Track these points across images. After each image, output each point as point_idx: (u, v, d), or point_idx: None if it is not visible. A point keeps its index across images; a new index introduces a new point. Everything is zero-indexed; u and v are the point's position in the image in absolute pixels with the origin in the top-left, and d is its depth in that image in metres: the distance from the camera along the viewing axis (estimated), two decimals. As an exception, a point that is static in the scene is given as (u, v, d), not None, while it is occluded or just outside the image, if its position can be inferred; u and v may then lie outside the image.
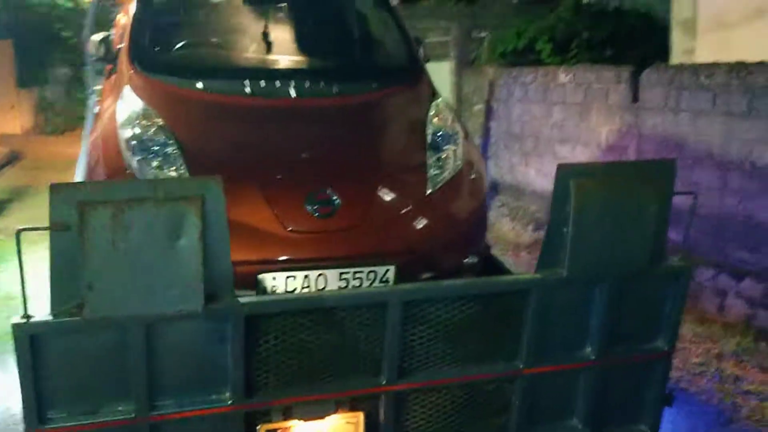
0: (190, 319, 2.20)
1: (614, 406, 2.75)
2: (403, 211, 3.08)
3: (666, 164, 2.52)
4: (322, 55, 3.94)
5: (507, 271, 3.71)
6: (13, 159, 12.76)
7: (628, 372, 2.72)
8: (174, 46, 3.78)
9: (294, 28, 3.93)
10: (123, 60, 3.63)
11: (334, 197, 2.99)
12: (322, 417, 2.45)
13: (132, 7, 3.91)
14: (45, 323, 2.09)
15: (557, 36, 12.12)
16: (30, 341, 2.08)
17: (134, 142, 3.13)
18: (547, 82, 7.32)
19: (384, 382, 2.44)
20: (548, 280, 2.48)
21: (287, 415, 2.42)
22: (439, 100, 3.62)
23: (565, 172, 2.39)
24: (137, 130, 3.16)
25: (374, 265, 2.94)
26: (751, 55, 5.78)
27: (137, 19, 3.80)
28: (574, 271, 2.45)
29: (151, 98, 3.30)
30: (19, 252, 2.06)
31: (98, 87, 7.57)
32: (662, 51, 12.34)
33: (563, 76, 7.03)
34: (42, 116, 17.03)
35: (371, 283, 2.98)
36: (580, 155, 6.84)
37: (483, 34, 10.47)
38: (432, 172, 3.24)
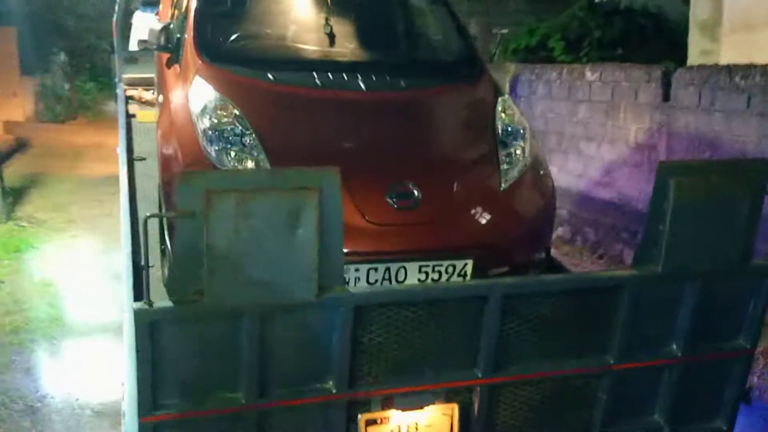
0: (302, 308, 2.22)
1: (694, 403, 2.79)
2: (479, 206, 3.10)
3: (761, 164, 2.55)
4: (388, 49, 3.96)
5: (565, 270, 3.75)
6: (21, 146, 12.68)
7: (709, 369, 2.76)
8: (239, 37, 3.77)
9: (358, 20, 3.93)
10: (189, 50, 3.62)
11: (414, 190, 3.00)
12: (420, 407, 2.48)
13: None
14: (166, 309, 2.10)
15: (570, 34, 12.19)
16: (150, 327, 2.09)
17: (212, 132, 3.13)
18: (572, 80, 7.36)
19: (480, 375, 2.47)
20: (643, 275, 2.51)
21: (386, 405, 2.45)
22: (506, 96, 3.64)
23: (665, 170, 2.43)
24: (214, 120, 3.16)
25: (453, 259, 2.96)
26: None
27: (200, 8, 3.79)
28: (669, 268, 2.48)
29: (223, 88, 3.31)
30: (145, 238, 2.07)
31: (127, 75, 7.58)
32: (672, 50, 12.42)
33: (590, 74, 7.07)
34: (42, 104, 16.91)
35: (449, 277, 3.00)
36: (605, 153, 6.89)
37: (504, 31, 10.50)
38: (504, 167, 3.27)
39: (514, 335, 2.48)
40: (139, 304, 2.08)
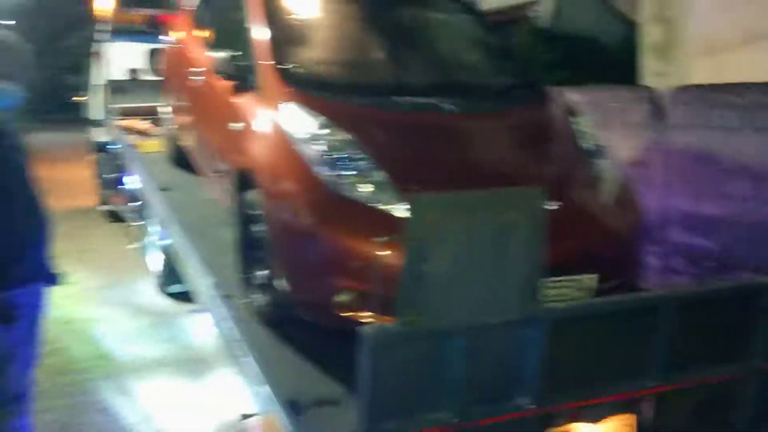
0: (506, 325, 2.25)
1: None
2: (598, 223, 3.20)
3: None
4: (465, 72, 4.03)
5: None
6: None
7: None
8: (317, 62, 3.77)
9: (427, 43, 4.02)
10: (269, 78, 3.59)
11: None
12: (603, 419, 2.53)
13: (258, 23, 3.88)
14: (390, 330, 2.09)
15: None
16: (376, 348, 2.07)
17: (326, 157, 3.11)
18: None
19: (655, 384, 2.55)
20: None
21: (571, 418, 2.49)
22: (584, 116, 3.77)
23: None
24: (327, 145, 3.15)
25: (582, 274, 3.03)
26: (743, 78, 6.27)
27: (274, 35, 3.77)
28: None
29: (325, 114, 3.30)
30: (378, 262, 2.05)
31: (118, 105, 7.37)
32: (611, 71, 12.99)
33: (576, 96, 7.32)
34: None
35: (575, 291, 3.07)
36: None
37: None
38: (605, 184, 3.38)
39: (681, 343, 2.57)
40: (370, 328, 2.06)
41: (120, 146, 7.21)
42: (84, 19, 12.72)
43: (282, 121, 3.37)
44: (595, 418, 2.52)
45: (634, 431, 2.58)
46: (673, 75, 9.34)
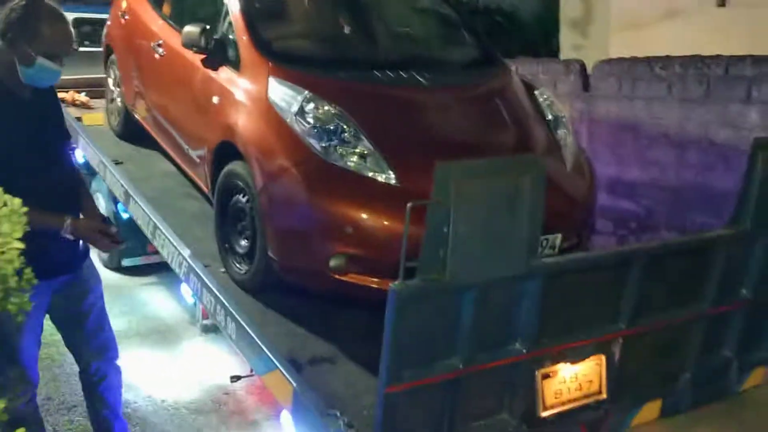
0: (512, 279, 2.52)
1: (757, 336, 3.39)
2: (561, 186, 3.51)
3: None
4: (435, 48, 4.27)
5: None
6: None
7: (766, 306, 3.36)
8: (294, 36, 3.92)
9: (397, 17, 4.22)
10: (249, 52, 3.71)
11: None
12: (583, 360, 2.86)
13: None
14: (419, 287, 2.32)
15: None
16: (402, 304, 2.31)
17: (316, 130, 3.29)
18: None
19: (624, 327, 2.90)
20: (736, 235, 3.05)
21: (557, 360, 2.80)
22: (543, 87, 4.08)
23: (757, 145, 2.97)
24: (315, 118, 3.31)
25: (547, 234, 3.34)
26: (659, 51, 6.78)
27: (246, 9, 3.88)
28: (755, 226, 3.04)
29: (310, 88, 3.46)
30: (406, 227, 2.27)
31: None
32: (527, 45, 13.50)
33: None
34: None
35: (543, 250, 3.38)
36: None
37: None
38: (564, 151, 3.70)
39: (646, 292, 2.92)
40: (397, 284, 2.29)
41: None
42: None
43: (268, 96, 3.51)
44: (574, 359, 2.84)
45: (604, 369, 2.92)
46: (591, 48, 9.88)
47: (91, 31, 9.32)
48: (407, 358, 2.41)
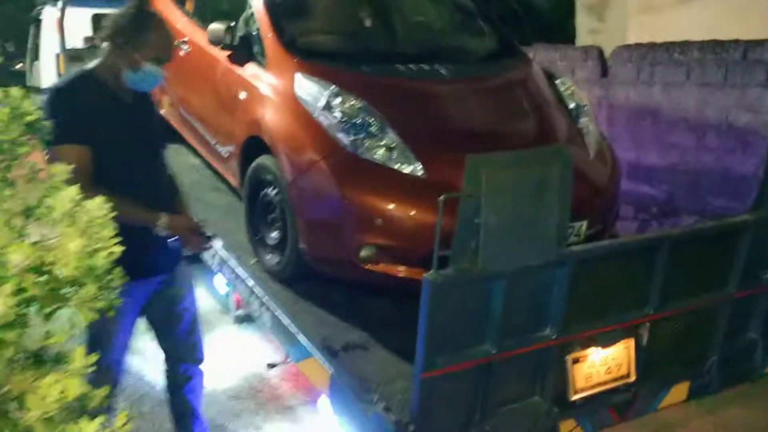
0: (542, 267, 2.59)
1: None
2: (583, 174, 3.56)
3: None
4: (458, 40, 4.32)
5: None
6: None
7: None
8: (318, 32, 3.98)
9: (418, 10, 4.28)
10: (275, 48, 3.79)
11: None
12: (613, 344, 2.92)
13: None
14: (453, 276, 2.40)
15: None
16: (436, 293, 2.38)
17: (344, 124, 3.36)
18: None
19: (652, 311, 2.96)
20: (758, 220, 3.10)
21: (586, 344, 2.88)
22: (564, 77, 4.12)
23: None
24: (342, 112, 3.38)
25: (573, 221, 3.40)
26: (676, 35, 6.79)
27: (271, 6, 3.95)
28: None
29: (337, 82, 3.53)
30: (439, 219, 2.34)
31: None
32: (542, 30, 13.47)
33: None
34: None
35: (569, 237, 3.44)
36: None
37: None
38: (588, 139, 3.75)
39: (672, 277, 2.98)
40: (431, 274, 2.36)
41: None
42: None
43: (295, 91, 3.58)
44: (604, 344, 2.91)
45: (632, 353, 2.99)
46: (608, 32, 9.87)
47: None
48: (441, 345, 2.49)
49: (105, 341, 2.97)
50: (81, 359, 1.12)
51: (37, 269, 1.04)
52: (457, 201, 2.38)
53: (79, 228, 1.12)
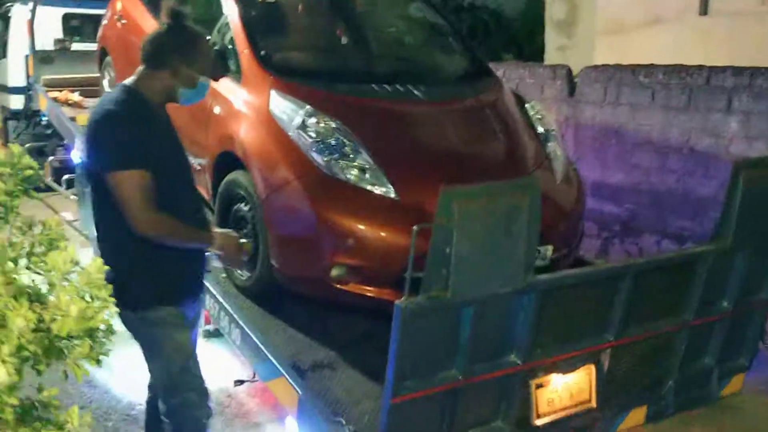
0: (509, 295, 2.66)
1: (734, 345, 3.56)
2: (551, 198, 3.65)
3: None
4: (430, 62, 4.38)
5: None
6: None
7: (743, 318, 3.54)
8: (293, 49, 4.02)
9: (391, 29, 4.33)
10: (252, 65, 3.80)
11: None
12: (574, 370, 3.01)
13: (229, 8, 4.08)
14: (422, 303, 2.45)
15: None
16: (407, 319, 2.44)
17: (318, 144, 3.40)
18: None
19: (612, 338, 3.05)
20: (718, 250, 3.21)
21: (549, 370, 2.95)
22: (534, 101, 4.21)
23: (738, 166, 3.12)
24: (317, 132, 3.42)
25: (540, 245, 3.47)
26: (643, 56, 6.97)
27: (247, 21, 3.98)
28: (737, 242, 3.19)
29: (311, 102, 3.56)
30: (412, 247, 2.40)
31: (46, 77, 7.28)
32: (510, 44, 13.68)
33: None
34: None
35: (538, 260, 3.52)
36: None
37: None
38: (554, 164, 3.84)
39: (633, 304, 3.07)
40: (402, 301, 2.42)
41: (48, 116, 7.15)
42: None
43: (270, 109, 3.61)
44: (565, 369, 2.99)
45: (593, 378, 3.08)
46: (576, 49, 10.05)
47: (79, 24, 9.44)
48: (411, 370, 2.54)
49: (193, 366, 3.01)
50: (75, 418, 1.14)
51: (36, 328, 1.07)
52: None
53: (79, 289, 1.16)
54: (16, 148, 1.49)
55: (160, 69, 2.82)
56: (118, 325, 2.19)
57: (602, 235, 6.88)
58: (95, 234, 2.97)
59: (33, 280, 1.30)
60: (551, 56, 10.57)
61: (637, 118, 6.52)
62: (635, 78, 6.50)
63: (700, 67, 6.03)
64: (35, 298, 1.16)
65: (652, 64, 6.45)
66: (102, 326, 1.20)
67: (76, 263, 1.24)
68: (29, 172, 1.45)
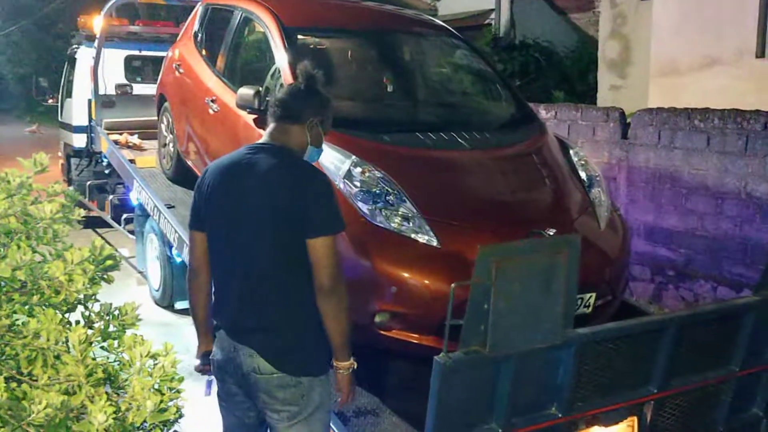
0: (548, 349, 2.67)
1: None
2: (595, 245, 3.66)
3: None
4: (473, 109, 4.47)
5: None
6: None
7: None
8: (342, 100, 4.14)
9: (434, 78, 4.43)
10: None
11: (549, 234, 3.49)
12: (616, 423, 2.99)
13: (280, 55, 4.23)
14: (461, 358, 2.49)
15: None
16: (446, 374, 2.47)
17: (363, 194, 3.50)
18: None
19: (655, 390, 3.03)
20: (762, 301, 3.16)
21: (590, 423, 2.94)
22: (577, 147, 4.24)
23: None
24: (362, 182, 3.53)
25: (583, 293, 3.48)
26: (697, 98, 6.91)
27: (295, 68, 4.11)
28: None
29: (357, 152, 3.67)
30: (450, 303, 2.44)
31: (107, 120, 7.60)
32: (562, 81, 13.66)
33: (544, 113, 7.84)
34: None
35: (578, 309, 3.51)
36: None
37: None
38: (598, 210, 3.85)
39: (677, 356, 3.04)
40: (441, 356, 2.46)
41: (108, 158, 7.45)
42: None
43: (320, 159, 3.72)
44: (607, 422, 2.97)
45: (636, 431, 3.05)
46: (629, 89, 10.01)
47: (140, 65, 9.87)
48: (450, 424, 2.57)
49: None
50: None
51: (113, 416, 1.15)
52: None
53: (154, 382, 1.24)
54: (98, 241, 1.58)
55: (297, 123, 2.78)
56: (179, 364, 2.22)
57: (656, 280, 6.79)
58: (256, 292, 2.66)
59: (107, 357, 1.37)
60: (604, 95, 10.55)
61: (692, 162, 6.44)
62: (690, 122, 6.45)
63: (757, 112, 5.96)
64: (112, 379, 1.24)
65: (707, 108, 6.38)
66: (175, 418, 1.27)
67: (153, 357, 1.31)
68: (110, 262, 1.55)
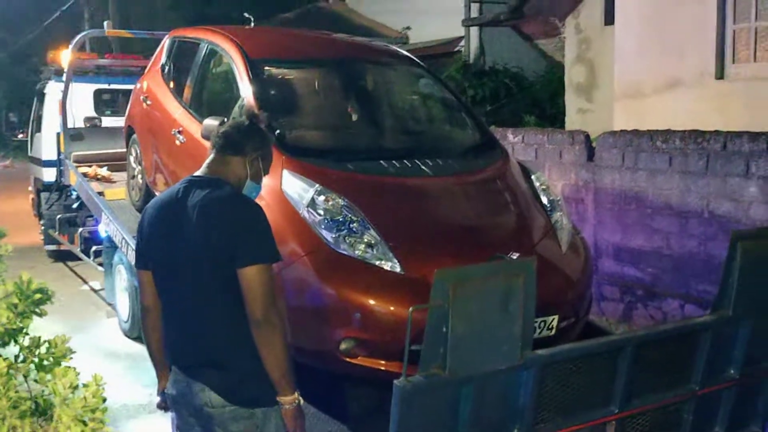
0: (507, 371, 2.71)
1: (742, 413, 3.53)
2: (556, 268, 3.72)
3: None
4: (437, 137, 4.54)
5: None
6: None
7: (751, 386, 3.52)
8: (304, 129, 4.20)
9: (397, 106, 4.50)
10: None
11: (512, 257, 3.55)
12: (577, 443, 3.02)
13: (245, 88, 4.28)
14: (420, 381, 2.52)
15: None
16: (405, 398, 2.50)
17: (327, 221, 3.55)
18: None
19: (616, 410, 3.07)
20: (719, 320, 3.23)
21: (555, 444, 2.97)
22: (539, 172, 4.32)
23: (735, 236, 3.17)
24: (326, 210, 3.57)
25: (545, 315, 3.54)
26: (661, 119, 7.06)
27: (262, 101, 4.17)
28: (738, 311, 3.21)
29: (320, 181, 3.72)
30: (409, 327, 2.47)
31: (76, 153, 7.60)
32: (532, 106, 13.87)
33: (512, 137, 7.95)
34: None
35: (541, 332, 3.57)
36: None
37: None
38: (559, 234, 3.92)
39: (637, 376, 3.09)
40: (400, 381, 2.49)
41: (78, 191, 7.44)
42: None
43: (282, 188, 3.76)
44: (570, 442, 3.01)
45: (597, 452, 3.09)
46: (596, 112, 10.19)
47: (109, 98, 9.92)
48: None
49: None
50: None
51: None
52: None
53: (76, 413, 1.26)
54: (25, 275, 1.61)
55: (238, 155, 2.78)
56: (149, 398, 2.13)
57: (625, 299, 6.87)
58: (200, 327, 2.64)
59: (43, 392, 1.38)
60: (572, 119, 10.73)
61: (656, 183, 6.56)
62: (653, 143, 6.57)
63: (717, 132, 6.09)
64: (42, 410, 1.25)
65: (669, 130, 6.52)
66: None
67: (76, 387, 1.33)
68: (39, 296, 1.58)
